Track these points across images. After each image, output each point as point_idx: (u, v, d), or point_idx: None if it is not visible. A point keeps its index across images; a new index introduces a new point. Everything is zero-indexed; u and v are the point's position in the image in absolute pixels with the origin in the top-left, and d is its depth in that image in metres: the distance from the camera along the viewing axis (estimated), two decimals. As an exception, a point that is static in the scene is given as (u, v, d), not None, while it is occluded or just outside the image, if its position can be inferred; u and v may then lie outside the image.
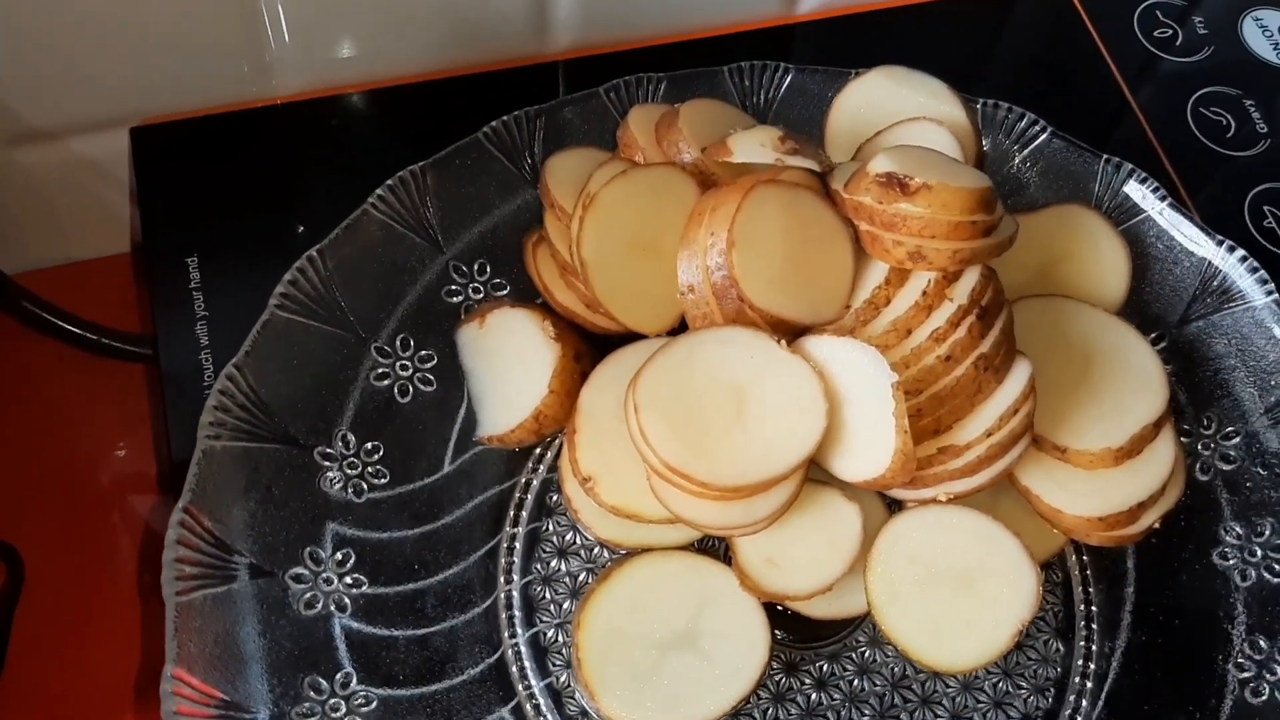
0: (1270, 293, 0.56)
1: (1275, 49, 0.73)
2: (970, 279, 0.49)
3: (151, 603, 0.48)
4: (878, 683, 0.51)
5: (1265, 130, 0.70)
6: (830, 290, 0.50)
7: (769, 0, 0.69)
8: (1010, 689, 0.51)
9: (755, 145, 0.51)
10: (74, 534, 0.58)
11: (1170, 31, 0.73)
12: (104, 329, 0.60)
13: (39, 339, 0.60)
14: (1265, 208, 0.67)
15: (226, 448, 0.50)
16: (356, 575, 0.51)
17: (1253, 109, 0.70)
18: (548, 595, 0.52)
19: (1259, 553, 0.53)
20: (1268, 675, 0.51)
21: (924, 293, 0.49)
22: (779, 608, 0.50)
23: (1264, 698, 0.50)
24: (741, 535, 0.49)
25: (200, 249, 0.59)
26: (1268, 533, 0.53)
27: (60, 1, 0.55)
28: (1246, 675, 0.51)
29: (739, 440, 0.47)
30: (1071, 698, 0.51)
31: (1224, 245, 0.57)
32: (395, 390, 0.55)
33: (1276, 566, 0.52)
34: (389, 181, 0.57)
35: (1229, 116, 0.70)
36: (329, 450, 0.53)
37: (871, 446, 0.47)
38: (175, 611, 0.47)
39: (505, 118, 0.59)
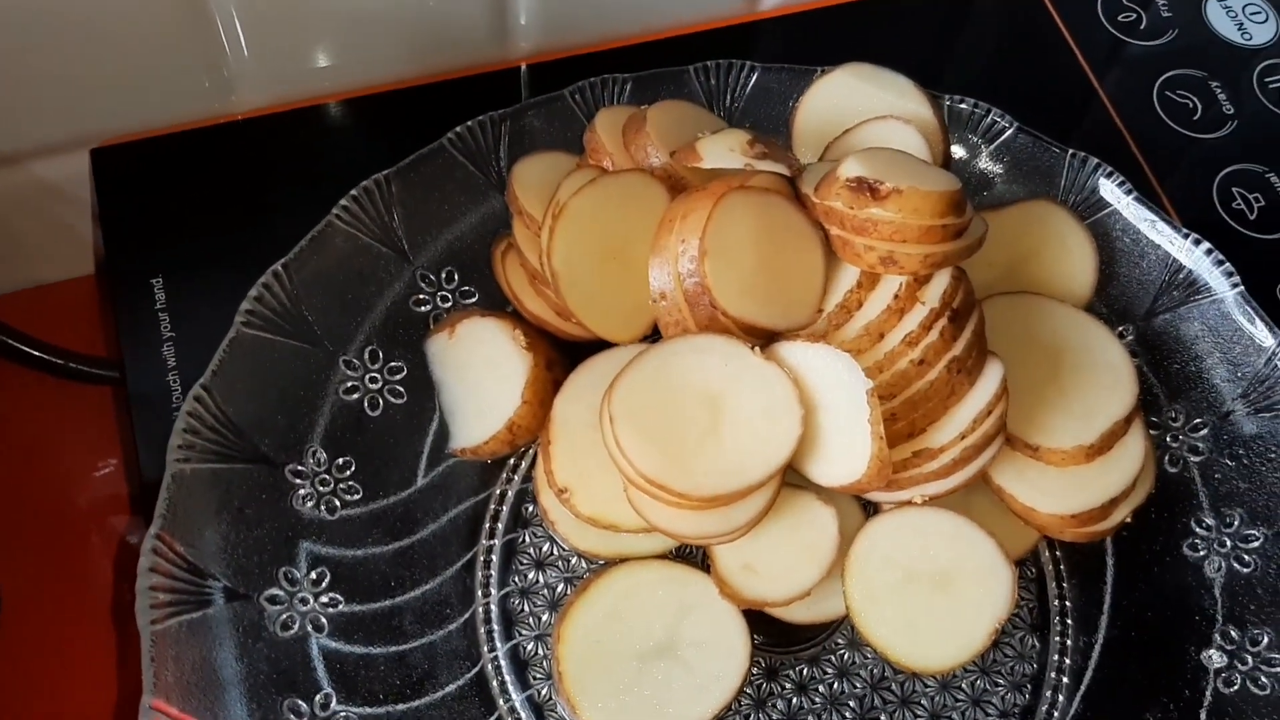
0: (1236, 285, 0.56)
1: (1239, 29, 0.73)
2: (941, 282, 0.49)
3: (128, 626, 0.47)
4: (857, 685, 0.51)
5: (1231, 111, 0.70)
6: (802, 295, 0.50)
7: (732, -2, 0.69)
8: (988, 686, 0.51)
9: (724, 150, 0.51)
10: (50, 560, 0.57)
11: (1134, 15, 0.73)
12: (70, 353, 0.59)
13: (4, 365, 0.59)
14: (1234, 189, 0.67)
15: (196, 470, 0.50)
16: (332, 594, 0.51)
17: (1219, 90, 0.71)
18: (526, 608, 0.52)
19: (1228, 543, 0.54)
20: (1239, 665, 0.51)
21: (896, 296, 0.49)
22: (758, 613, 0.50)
23: (1236, 688, 0.51)
24: (719, 544, 0.49)
25: (165, 269, 0.59)
26: (1237, 523, 0.54)
27: (12, 25, 0.54)
28: (1219, 666, 0.51)
29: (715, 449, 0.47)
30: (1048, 693, 0.51)
31: (1190, 238, 0.57)
32: (365, 404, 0.54)
33: (1246, 557, 0.53)
34: (353, 192, 0.56)
35: (1195, 99, 0.70)
36: (300, 468, 0.52)
37: (847, 452, 0.48)
38: (151, 640, 0.46)
39: (470, 123, 0.59)
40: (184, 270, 0.59)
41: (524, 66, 0.67)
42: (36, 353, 0.58)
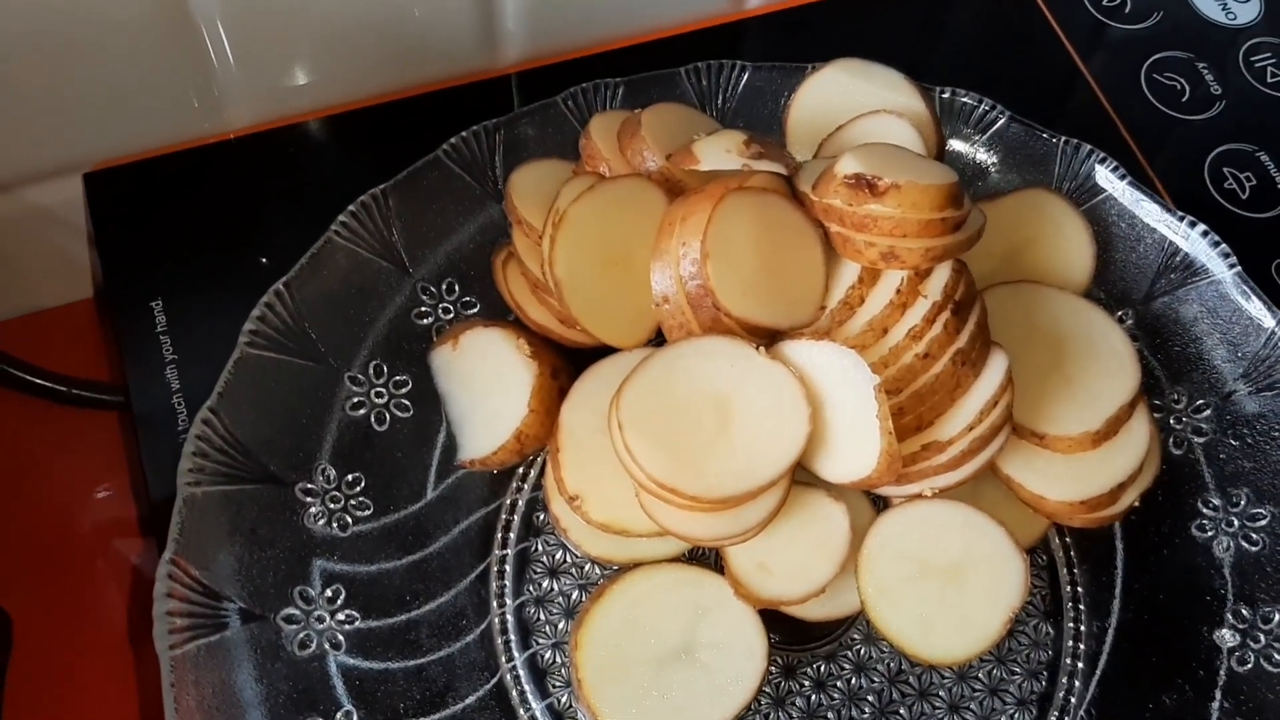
0: (1233, 265, 0.56)
1: (1224, 9, 0.73)
2: (942, 274, 0.49)
3: (144, 652, 0.47)
4: (875, 679, 0.52)
5: (1219, 92, 0.70)
6: (804, 293, 0.50)
7: (717, -2, 0.69)
8: (1004, 675, 0.52)
9: (721, 151, 0.51)
10: (60, 589, 0.57)
11: (1118, -1, 0.73)
12: (73, 380, 0.59)
13: (4, 393, 0.58)
14: (1225, 169, 0.67)
15: (207, 493, 0.50)
16: (348, 611, 0.51)
17: (1205, 71, 0.71)
18: (542, 616, 0.52)
19: (1236, 523, 0.54)
20: (1252, 644, 0.52)
21: (898, 291, 0.49)
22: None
23: (1250, 666, 0.51)
24: (732, 544, 0.49)
25: (164, 291, 0.58)
26: (1243, 503, 0.54)
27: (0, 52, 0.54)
28: (1232, 645, 0.52)
29: (725, 451, 0.47)
30: (1064, 679, 0.52)
31: (1185, 220, 0.58)
32: (372, 419, 0.54)
33: (1254, 536, 0.54)
34: (351, 207, 0.56)
35: (1182, 80, 0.71)
36: (310, 486, 0.52)
37: (856, 448, 0.48)
38: (170, 665, 0.46)
39: (464, 133, 0.59)
40: (184, 292, 0.59)
41: (514, 74, 0.67)
42: (38, 380, 0.58)
